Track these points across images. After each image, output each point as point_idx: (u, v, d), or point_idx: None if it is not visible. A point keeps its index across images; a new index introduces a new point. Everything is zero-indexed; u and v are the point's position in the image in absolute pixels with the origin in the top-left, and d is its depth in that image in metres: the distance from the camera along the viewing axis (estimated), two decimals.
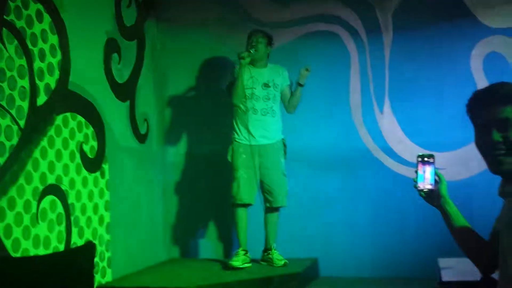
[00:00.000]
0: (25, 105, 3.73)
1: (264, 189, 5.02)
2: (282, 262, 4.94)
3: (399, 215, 5.25)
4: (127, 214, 4.94)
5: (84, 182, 4.32)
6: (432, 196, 2.25)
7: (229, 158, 5.02)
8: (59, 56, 4.08)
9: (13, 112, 3.62)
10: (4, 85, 3.55)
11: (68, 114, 4.17)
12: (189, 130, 5.74)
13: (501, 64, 5.16)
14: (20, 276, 2.62)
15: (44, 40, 3.94)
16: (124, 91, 5.01)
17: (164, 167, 5.66)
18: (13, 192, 3.59)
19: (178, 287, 4.37)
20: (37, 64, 3.85)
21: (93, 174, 4.44)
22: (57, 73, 4.06)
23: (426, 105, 5.31)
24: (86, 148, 4.36)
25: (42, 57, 3.90)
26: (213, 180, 5.52)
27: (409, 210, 5.14)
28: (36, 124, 3.83)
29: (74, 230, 4.16)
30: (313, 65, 5.20)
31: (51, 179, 3.95)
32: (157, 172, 5.58)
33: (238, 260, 4.88)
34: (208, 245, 5.63)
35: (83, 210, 4.29)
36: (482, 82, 5.07)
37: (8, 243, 3.53)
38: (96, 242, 4.40)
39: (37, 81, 3.84)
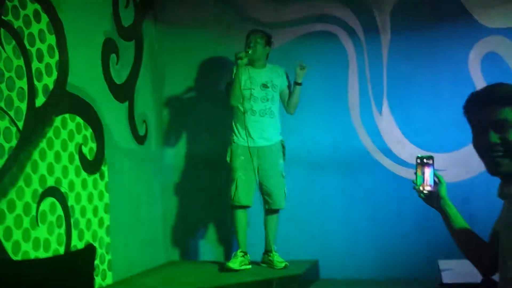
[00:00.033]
0: (23, 106, 3.73)
1: (263, 191, 5.02)
2: (283, 264, 4.93)
3: (399, 216, 5.25)
4: (126, 216, 4.93)
5: (84, 184, 4.31)
6: (432, 198, 2.25)
7: (227, 159, 5.02)
8: (57, 56, 4.08)
9: (11, 113, 3.61)
10: (2, 86, 3.55)
11: (66, 115, 4.17)
12: (188, 131, 5.73)
13: (499, 64, 5.16)
14: (20, 279, 2.61)
15: (42, 41, 3.93)
16: (123, 92, 5.00)
17: (163, 168, 5.66)
18: (12, 194, 3.59)
19: None
20: (35, 64, 3.84)
21: (92, 176, 4.43)
22: (55, 74, 4.05)
23: (425, 105, 5.31)
24: (85, 150, 4.35)
25: (40, 57, 3.90)
26: (213, 182, 5.52)
27: (409, 211, 5.14)
28: (35, 125, 3.83)
29: (74, 233, 4.15)
30: (311, 65, 5.21)
31: (50, 182, 3.94)
32: (156, 173, 5.57)
33: (235, 262, 4.87)
34: (208, 247, 5.62)
35: (83, 212, 4.28)
36: (480, 83, 5.08)
37: (8, 246, 3.52)
38: (96, 244, 4.39)
39: (36, 82, 3.84)
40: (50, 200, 3.92)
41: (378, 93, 5.41)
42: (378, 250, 5.27)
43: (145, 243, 5.23)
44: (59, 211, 4.01)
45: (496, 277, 2.10)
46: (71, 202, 4.14)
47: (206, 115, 5.66)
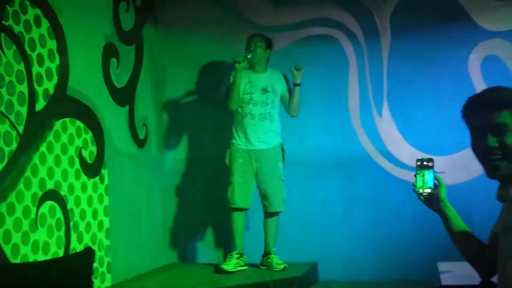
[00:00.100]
0: (24, 110, 3.73)
1: (261, 194, 5.03)
2: (282, 267, 4.94)
3: (398, 218, 5.25)
4: (126, 219, 4.93)
5: (83, 188, 4.31)
6: (432, 200, 2.25)
7: (227, 162, 5.03)
8: (57, 61, 4.08)
9: (12, 117, 3.61)
10: (3, 90, 3.55)
11: (67, 119, 4.17)
12: (188, 135, 5.73)
13: (499, 67, 5.17)
14: (19, 282, 2.62)
15: (43, 45, 3.94)
16: (123, 96, 5.01)
17: (163, 171, 5.66)
18: (12, 197, 3.59)
19: None
20: (35, 69, 3.85)
21: (92, 179, 4.43)
22: (55, 78, 4.06)
23: (425, 108, 5.32)
24: (85, 153, 4.35)
25: (40, 62, 3.90)
26: (213, 185, 5.52)
27: (408, 213, 5.14)
28: (35, 129, 3.83)
29: (73, 236, 4.15)
30: (311, 68, 5.23)
31: (50, 185, 3.94)
32: (156, 176, 5.57)
33: (230, 264, 4.89)
34: (208, 249, 5.62)
35: (82, 215, 4.28)
36: (480, 85, 5.08)
37: (7, 249, 3.52)
38: (95, 247, 4.39)
39: (36, 86, 3.84)
40: (49, 203, 3.93)
41: (378, 95, 5.42)
42: (378, 252, 5.27)
43: (145, 245, 5.23)
44: (59, 214, 4.02)
45: (495, 279, 2.10)
46: (70, 205, 4.14)
47: (206, 118, 5.67)
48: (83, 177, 4.32)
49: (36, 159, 3.82)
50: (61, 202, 4.05)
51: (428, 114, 5.29)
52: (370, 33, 5.44)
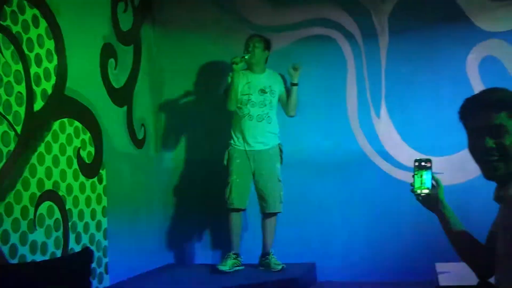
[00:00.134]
0: (21, 110, 3.73)
1: (258, 195, 5.03)
2: (280, 267, 4.94)
3: (396, 219, 5.25)
4: (124, 219, 4.93)
5: (82, 188, 4.31)
6: (429, 201, 2.26)
7: (225, 162, 5.04)
8: (55, 61, 4.08)
9: (10, 117, 3.61)
10: (1, 90, 3.54)
11: (65, 119, 4.17)
12: (187, 135, 5.73)
13: (497, 67, 5.17)
14: (17, 282, 2.62)
15: (41, 45, 3.94)
16: (121, 96, 5.01)
17: (161, 172, 5.66)
18: (10, 198, 3.59)
19: None
20: (33, 69, 3.84)
21: (91, 180, 4.43)
22: (53, 78, 4.05)
23: (423, 108, 5.32)
24: (83, 153, 4.35)
25: (38, 62, 3.90)
26: (211, 185, 5.51)
27: (406, 214, 5.13)
28: (33, 129, 3.83)
29: (72, 236, 4.15)
30: (309, 69, 5.23)
31: (48, 185, 3.94)
32: (154, 177, 5.57)
33: (227, 265, 4.90)
34: (206, 250, 5.62)
35: (81, 216, 4.28)
36: (478, 86, 5.08)
37: (5, 249, 3.52)
38: (93, 247, 4.39)
39: (34, 87, 3.84)
40: (48, 203, 3.92)
41: (376, 96, 5.42)
42: (376, 253, 5.28)
43: (143, 246, 5.23)
44: (57, 214, 4.01)
45: (492, 280, 2.10)
46: (68, 205, 4.14)
47: (204, 119, 5.67)
48: (82, 178, 4.32)
49: (34, 159, 3.82)
50: (60, 202, 4.04)
51: (426, 115, 5.30)
52: (368, 34, 5.45)
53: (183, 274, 5.11)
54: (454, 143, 5.01)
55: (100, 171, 4.56)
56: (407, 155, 5.24)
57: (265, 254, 5.03)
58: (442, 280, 3.64)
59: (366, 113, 5.44)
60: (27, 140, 3.75)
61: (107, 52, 4.80)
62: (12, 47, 3.66)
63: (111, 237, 4.65)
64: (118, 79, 4.97)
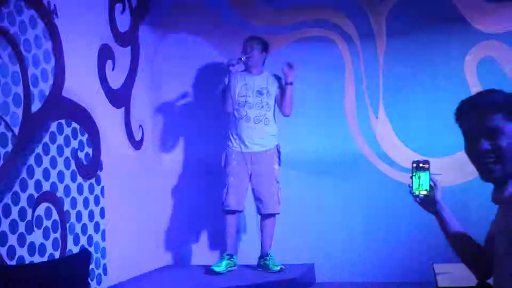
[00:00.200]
0: (19, 112, 3.72)
1: (255, 196, 5.04)
2: (278, 268, 4.94)
3: (395, 220, 5.25)
4: (122, 221, 4.92)
5: (79, 189, 4.31)
6: (428, 202, 2.25)
7: (222, 164, 5.04)
8: (53, 62, 4.07)
9: (7, 119, 3.60)
10: None
11: (62, 121, 4.16)
12: (184, 137, 5.73)
13: (495, 68, 5.18)
14: (15, 284, 2.61)
15: (38, 46, 3.93)
16: (119, 98, 5.00)
17: (159, 173, 5.65)
18: (8, 199, 3.58)
19: None
20: (31, 70, 3.84)
21: (89, 181, 4.43)
22: (51, 80, 4.05)
23: (421, 110, 5.32)
24: (81, 155, 4.35)
25: (36, 63, 3.89)
26: (209, 187, 5.51)
27: (404, 215, 5.13)
28: (31, 131, 3.82)
29: (70, 238, 4.15)
30: (307, 70, 5.23)
31: (46, 187, 3.94)
32: (152, 178, 5.56)
33: (221, 266, 4.91)
34: (204, 251, 5.61)
35: (79, 217, 4.27)
36: (475, 87, 5.08)
37: (3, 251, 3.51)
38: (91, 249, 4.38)
39: (31, 88, 3.83)
40: (45, 205, 3.92)
41: (374, 97, 5.42)
42: (374, 254, 5.28)
43: (141, 247, 5.22)
44: (55, 216, 4.01)
45: (491, 281, 2.10)
46: (66, 207, 4.13)
47: (202, 120, 5.66)
48: (79, 179, 4.31)
49: (31, 160, 3.82)
50: (57, 204, 4.04)
51: (424, 116, 5.30)
52: (366, 35, 5.45)
53: (182, 275, 5.11)
54: (452, 144, 4.97)
55: (98, 172, 4.55)
56: (405, 156, 5.24)
57: (263, 255, 5.04)
58: (441, 281, 3.64)
59: (364, 114, 5.44)
60: (25, 141, 3.75)
61: (105, 53, 4.79)
62: (10, 48, 3.65)
63: (109, 238, 4.64)
64: (116, 81, 4.97)
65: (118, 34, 5.03)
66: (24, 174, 3.73)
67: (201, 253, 5.61)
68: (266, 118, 5.03)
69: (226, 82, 5.00)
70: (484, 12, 5.22)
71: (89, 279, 3.21)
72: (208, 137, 5.59)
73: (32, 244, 3.76)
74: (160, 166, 5.68)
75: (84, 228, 4.33)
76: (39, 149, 3.90)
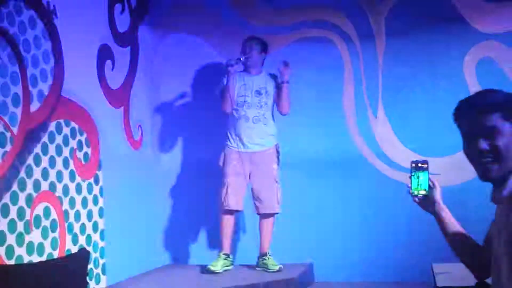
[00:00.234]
0: (18, 111, 3.72)
1: (254, 196, 5.04)
2: (277, 268, 4.94)
3: (393, 220, 5.25)
4: (121, 220, 4.92)
5: (78, 189, 4.30)
6: (427, 202, 2.26)
7: (220, 163, 5.04)
8: (52, 62, 4.07)
9: (6, 118, 3.60)
10: None
11: (61, 120, 4.16)
12: (183, 137, 5.73)
13: (494, 69, 5.18)
14: (14, 283, 2.61)
15: (37, 47, 3.93)
16: (118, 98, 5.00)
17: (158, 173, 5.65)
18: (6, 199, 3.58)
19: None
20: (30, 70, 3.84)
21: (87, 181, 4.42)
22: (50, 80, 4.05)
23: (420, 110, 5.32)
24: (80, 155, 4.35)
25: (35, 63, 3.89)
26: (208, 186, 5.51)
27: (403, 215, 5.13)
28: (30, 131, 3.82)
29: (68, 237, 4.14)
30: (306, 70, 5.24)
31: (44, 186, 3.93)
32: (151, 178, 5.56)
33: (217, 265, 4.91)
34: (203, 250, 5.61)
35: (77, 217, 4.27)
36: (475, 87, 5.08)
37: (1, 250, 3.51)
38: (90, 249, 4.38)
39: (30, 88, 3.83)
40: (44, 204, 3.92)
41: (373, 97, 5.43)
42: (373, 253, 5.27)
43: (140, 247, 5.22)
44: (53, 215, 4.01)
45: (490, 281, 2.10)
46: (65, 206, 4.13)
47: (201, 120, 5.66)
48: (78, 179, 4.31)
49: (30, 160, 3.81)
50: (56, 203, 4.03)
51: (423, 116, 5.30)
52: (365, 35, 5.45)
53: (180, 274, 5.10)
54: (451, 144, 4.95)
55: (97, 172, 4.55)
56: (404, 156, 5.24)
57: (262, 255, 5.03)
58: (440, 281, 3.64)
59: (363, 114, 5.44)
60: (24, 141, 3.75)
61: (104, 53, 4.79)
62: (9, 48, 3.65)
63: (108, 238, 4.64)
64: (115, 81, 4.96)
65: (118, 34, 5.03)
66: (22, 174, 3.73)
67: (200, 252, 5.60)
68: (265, 118, 5.04)
69: (225, 82, 5.00)
70: (483, 12, 5.22)
71: (87, 279, 3.21)
72: (207, 137, 5.59)
73: (30, 244, 3.76)
74: (159, 166, 5.68)
75: (82, 228, 4.32)
76: (38, 149, 3.90)
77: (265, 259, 4.99)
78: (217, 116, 5.28)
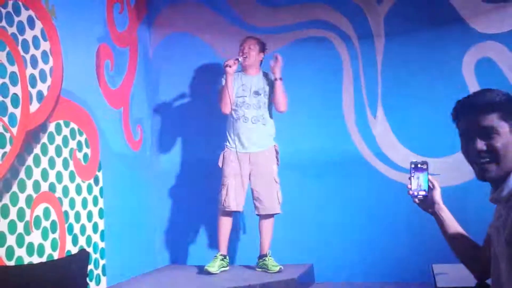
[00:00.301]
0: (17, 112, 3.72)
1: (254, 196, 5.03)
2: (277, 268, 4.93)
3: (393, 220, 5.25)
4: (121, 221, 4.92)
5: (78, 190, 4.30)
6: (426, 203, 2.26)
7: (219, 164, 5.03)
8: (51, 62, 4.07)
9: (5, 119, 3.60)
10: None
11: (61, 121, 4.16)
12: (183, 137, 5.73)
13: (493, 69, 5.18)
14: (14, 284, 2.61)
15: (36, 47, 3.93)
16: (117, 98, 5.00)
17: (157, 173, 5.65)
18: (6, 199, 3.58)
19: None
20: (29, 71, 3.83)
21: (87, 182, 4.42)
22: (49, 80, 4.05)
23: (419, 110, 5.32)
24: (79, 155, 4.34)
25: (34, 63, 3.89)
26: (207, 187, 5.51)
27: (403, 216, 5.14)
28: (29, 131, 3.82)
29: (68, 238, 4.14)
30: (305, 70, 5.24)
31: (44, 187, 3.93)
32: (151, 178, 5.56)
33: (214, 266, 4.91)
34: (203, 251, 5.61)
35: (77, 217, 4.27)
36: (474, 88, 5.08)
37: (2, 251, 3.51)
38: (90, 249, 4.38)
39: (30, 88, 3.83)
40: (44, 205, 3.91)
41: (372, 98, 5.43)
42: (373, 254, 5.28)
43: (140, 248, 5.23)
44: (53, 216, 4.00)
45: (490, 281, 2.10)
46: (65, 207, 4.13)
47: (200, 120, 5.66)
48: (78, 179, 4.31)
49: (30, 161, 3.81)
50: (56, 204, 4.03)
51: (423, 116, 5.30)
52: (364, 35, 5.45)
53: (180, 275, 5.10)
54: (450, 145, 5.00)
55: (97, 172, 4.55)
56: (403, 156, 5.24)
57: (262, 255, 5.03)
58: (440, 282, 3.64)
59: (363, 114, 5.44)
60: (23, 142, 3.74)
61: (103, 53, 4.79)
62: (8, 49, 3.65)
63: (108, 238, 4.64)
64: (114, 81, 4.97)
65: (117, 34, 5.03)
66: (22, 175, 3.73)
67: (199, 253, 5.60)
68: (263, 118, 5.03)
69: (223, 83, 5.00)
70: (482, 13, 5.22)
71: (87, 280, 3.21)
72: (207, 137, 5.59)
73: (30, 245, 3.76)
74: (159, 166, 5.68)
75: (82, 229, 4.32)
76: (37, 150, 3.90)
77: (265, 260, 4.99)
78: (217, 117, 5.28)
